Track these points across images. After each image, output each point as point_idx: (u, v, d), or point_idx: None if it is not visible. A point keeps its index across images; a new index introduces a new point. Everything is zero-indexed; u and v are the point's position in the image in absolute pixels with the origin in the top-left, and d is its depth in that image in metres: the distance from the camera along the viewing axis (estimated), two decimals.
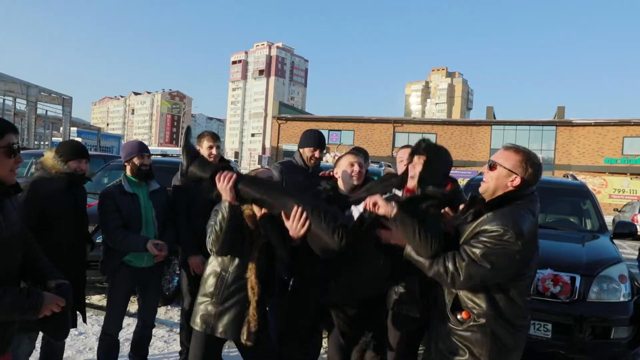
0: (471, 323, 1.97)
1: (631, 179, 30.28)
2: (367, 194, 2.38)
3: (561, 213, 5.47)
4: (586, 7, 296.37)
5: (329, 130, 39.11)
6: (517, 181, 1.98)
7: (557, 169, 32.43)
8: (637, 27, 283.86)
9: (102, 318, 4.35)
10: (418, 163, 2.30)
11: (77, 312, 2.96)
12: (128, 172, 3.28)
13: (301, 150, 3.53)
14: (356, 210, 2.37)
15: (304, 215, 2.19)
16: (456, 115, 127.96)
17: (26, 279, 1.95)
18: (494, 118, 40.16)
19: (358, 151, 3.89)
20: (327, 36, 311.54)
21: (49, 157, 2.87)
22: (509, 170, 1.99)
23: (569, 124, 33.71)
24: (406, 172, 2.43)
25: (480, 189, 2.09)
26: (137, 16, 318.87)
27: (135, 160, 3.23)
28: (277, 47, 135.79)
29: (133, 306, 4.34)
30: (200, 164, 2.40)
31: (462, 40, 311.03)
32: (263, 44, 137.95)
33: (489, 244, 1.87)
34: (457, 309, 2.02)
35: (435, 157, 2.31)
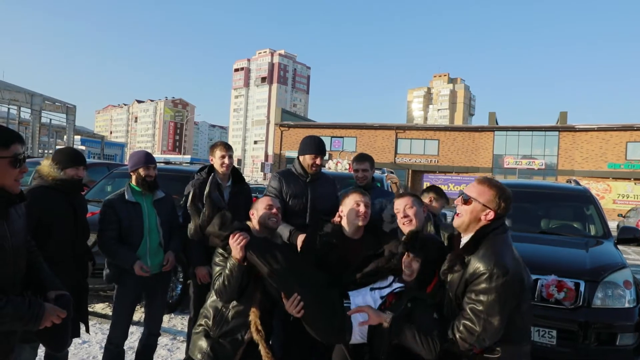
0: (484, 355, 1.99)
1: (635, 184, 30.15)
2: (366, 277, 2.38)
3: (564, 218, 5.43)
4: (588, 12, 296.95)
5: (332, 137, 39.19)
6: (491, 215, 2.04)
7: (560, 174, 32.34)
8: (638, 32, 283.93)
9: (105, 327, 4.36)
10: (414, 262, 2.27)
11: (80, 322, 2.95)
12: (133, 182, 3.32)
13: (301, 157, 3.47)
14: (353, 304, 2.31)
15: (301, 304, 2.22)
16: (458, 121, 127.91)
17: (28, 288, 1.95)
18: (497, 124, 40.14)
19: (365, 158, 3.87)
20: (329, 43, 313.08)
21: (46, 165, 2.87)
22: (483, 205, 2.04)
23: (572, 129, 33.66)
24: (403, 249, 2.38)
25: (455, 223, 2.15)
26: (140, 24, 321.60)
27: (141, 171, 3.27)
28: (280, 55, 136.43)
29: (136, 314, 4.35)
30: (221, 220, 2.40)
31: (464, 47, 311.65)
32: (265, 52, 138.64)
33: (484, 292, 1.91)
34: None
35: (431, 256, 2.27)
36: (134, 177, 3.31)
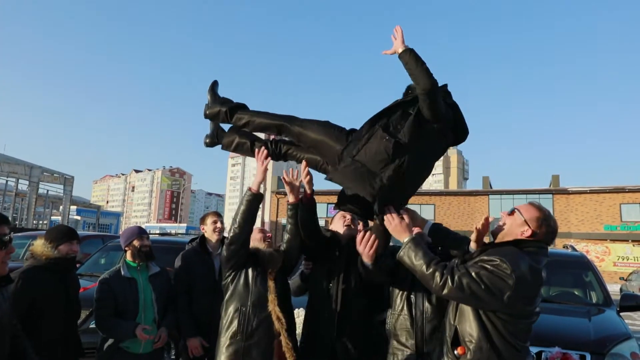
0: (468, 358, 1.99)
1: (633, 245, 29.99)
2: None
3: (563, 286, 5.35)
4: (576, 77, 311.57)
5: (327, 203, 39.39)
6: (528, 233, 2.08)
7: (557, 237, 31.98)
8: (627, 96, 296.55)
9: None
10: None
11: None
12: (128, 257, 3.32)
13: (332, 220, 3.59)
14: None
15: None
16: (453, 186, 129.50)
17: None
18: (491, 187, 40.62)
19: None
20: (325, 108, 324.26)
21: (39, 244, 2.87)
22: (525, 220, 2.10)
23: (565, 191, 34.07)
24: None
25: (493, 231, 2.24)
26: (138, 96, 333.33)
27: (135, 243, 3.29)
28: None
29: None
30: (222, 100, 2.73)
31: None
32: None
33: (485, 269, 1.96)
34: (455, 345, 2.06)
35: None
36: (129, 252, 3.32)
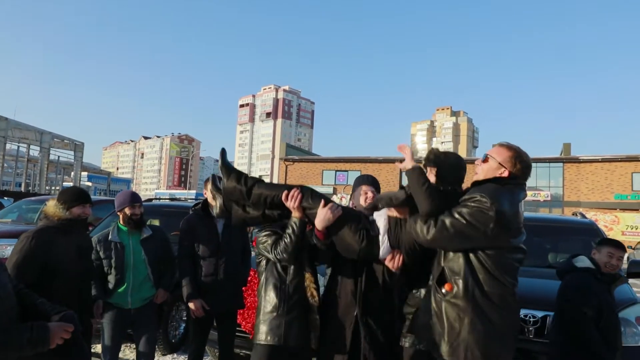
0: (454, 293, 2.08)
1: None
2: (376, 201, 2.56)
3: (571, 252, 5.34)
4: (591, 44, 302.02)
5: (336, 170, 39.39)
6: (505, 174, 2.17)
7: (566, 205, 32.09)
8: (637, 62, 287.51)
9: None
10: (430, 174, 2.40)
11: None
12: (120, 221, 3.43)
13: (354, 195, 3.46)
14: (378, 217, 2.54)
15: (337, 211, 2.44)
16: (462, 154, 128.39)
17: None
18: None
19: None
20: (333, 78, 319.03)
21: (51, 205, 2.92)
22: (499, 163, 2.18)
23: (576, 160, 33.69)
24: None
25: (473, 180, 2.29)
26: (147, 63, 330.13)
27: (127, 210, 3.39)
28: (284, 90, 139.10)
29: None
30: (237, 175, 2.61)
31: (465, 80, 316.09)
32: (270, 88, 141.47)
33: (466, 206, 2.06)
34: (442, 283, 2.15)
35: (445, 166, 2.46)
36: (121, 217, 3.42)
